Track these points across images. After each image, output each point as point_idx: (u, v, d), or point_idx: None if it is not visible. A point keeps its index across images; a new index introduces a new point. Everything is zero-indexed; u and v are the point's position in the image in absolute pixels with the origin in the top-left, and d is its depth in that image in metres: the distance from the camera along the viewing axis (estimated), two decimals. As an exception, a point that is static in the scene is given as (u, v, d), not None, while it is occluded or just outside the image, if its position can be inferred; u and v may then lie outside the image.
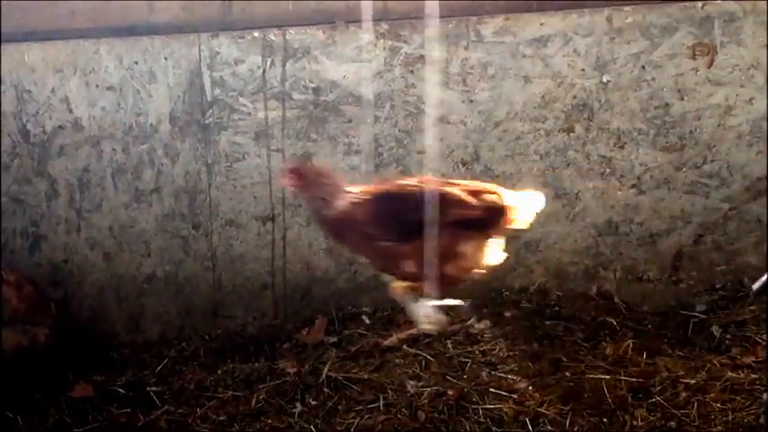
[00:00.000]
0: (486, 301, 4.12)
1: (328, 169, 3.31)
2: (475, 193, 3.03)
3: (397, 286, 3.08)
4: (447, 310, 2.92)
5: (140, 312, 4.28)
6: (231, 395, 3.66)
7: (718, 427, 3.17)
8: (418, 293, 2.97)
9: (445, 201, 2.90)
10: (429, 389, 3.53)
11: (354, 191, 3.13)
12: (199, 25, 4.04)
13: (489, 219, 2.99)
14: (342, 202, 3.11)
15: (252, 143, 4.12)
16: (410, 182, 3.12)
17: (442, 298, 2.92)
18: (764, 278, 2.40)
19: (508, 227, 3.07)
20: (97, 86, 4.12)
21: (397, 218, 3.01)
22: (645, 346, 3.71)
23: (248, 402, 3.60)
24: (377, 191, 3.14)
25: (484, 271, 3.09)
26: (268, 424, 3.45)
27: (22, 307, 3.78)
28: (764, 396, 2.26)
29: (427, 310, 2.91)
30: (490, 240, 3.05)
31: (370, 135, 4.04)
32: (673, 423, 3.22)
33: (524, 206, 3.04)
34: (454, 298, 2.97)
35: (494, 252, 3.07)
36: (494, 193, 3.06)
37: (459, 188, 3.03)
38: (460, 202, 2.97)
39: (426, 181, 2.83)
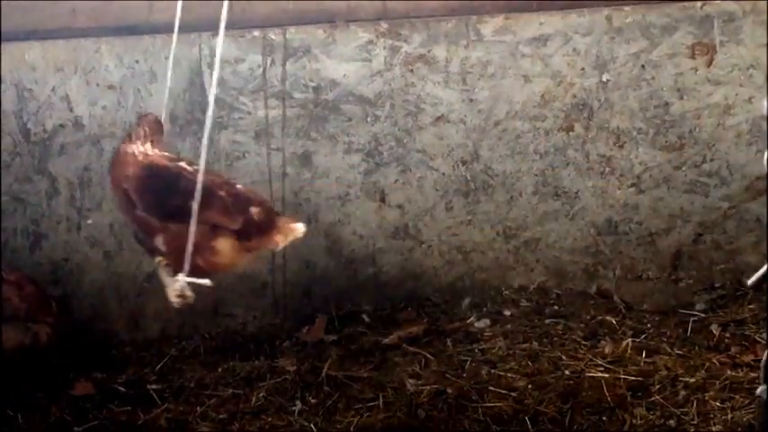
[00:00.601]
0: (486, 300, 4.13)
1: (159, 125, 3.25)
2: (244, 202, 3.01)
3: (160, 260, 3.08)
4: (195, 287, 2.95)
5: (141, 310, 4.28)
6: (231, 393, 3.67)
7: (718, 426, 3.18)
8: (173, 269, 2.97)
9: (210, 201, 2.88)
10: (428, 387, 3.54)
11: (143, 149, 3.09)
12: (199, 24, 4.03)
13: (245, 232, 2.98)
14: (127, 148, 3.10)
15: (252, 142, 4.12)
16: (189, 168, 3.07)
17: (195, 276, 2.92)
18: (762, 270, 2.39)
19: (263, 244, 3.05)
20: (98, 85, 4.12)
21: (159, 197, 3.01)
22: (644, 344, 3.72)
23: (248, 400, 3.61)
24: (153, 161, 3.10)
25: (232, 271, 3.11)
26: (268, 422, 3.46)
27: (23, 306, 3.78)
28: (758, 389, 2.24)
29: (181, 285, 2.93)
30: (245, 248, 3.04)
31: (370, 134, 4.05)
32: (672, 422, 3.23)
33: (284, 230, 3.03)
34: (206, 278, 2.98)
35: (245, 258, 3.07)
36: (262, 207, 3.04)
37: (230, 192, 3.02)
38: (222, 209, 2.96)
39: (202, 173, 2.78)
